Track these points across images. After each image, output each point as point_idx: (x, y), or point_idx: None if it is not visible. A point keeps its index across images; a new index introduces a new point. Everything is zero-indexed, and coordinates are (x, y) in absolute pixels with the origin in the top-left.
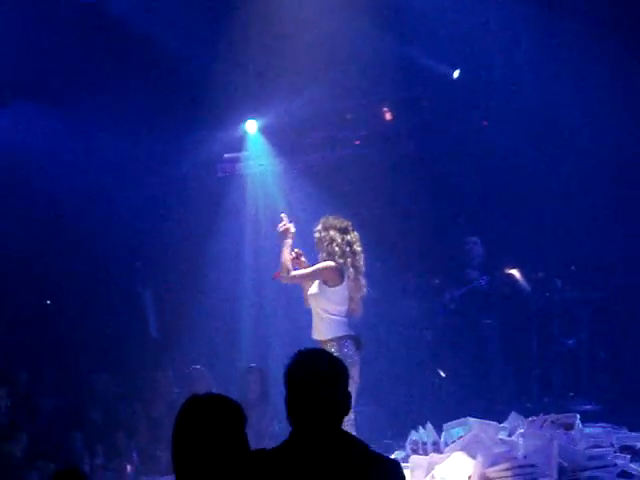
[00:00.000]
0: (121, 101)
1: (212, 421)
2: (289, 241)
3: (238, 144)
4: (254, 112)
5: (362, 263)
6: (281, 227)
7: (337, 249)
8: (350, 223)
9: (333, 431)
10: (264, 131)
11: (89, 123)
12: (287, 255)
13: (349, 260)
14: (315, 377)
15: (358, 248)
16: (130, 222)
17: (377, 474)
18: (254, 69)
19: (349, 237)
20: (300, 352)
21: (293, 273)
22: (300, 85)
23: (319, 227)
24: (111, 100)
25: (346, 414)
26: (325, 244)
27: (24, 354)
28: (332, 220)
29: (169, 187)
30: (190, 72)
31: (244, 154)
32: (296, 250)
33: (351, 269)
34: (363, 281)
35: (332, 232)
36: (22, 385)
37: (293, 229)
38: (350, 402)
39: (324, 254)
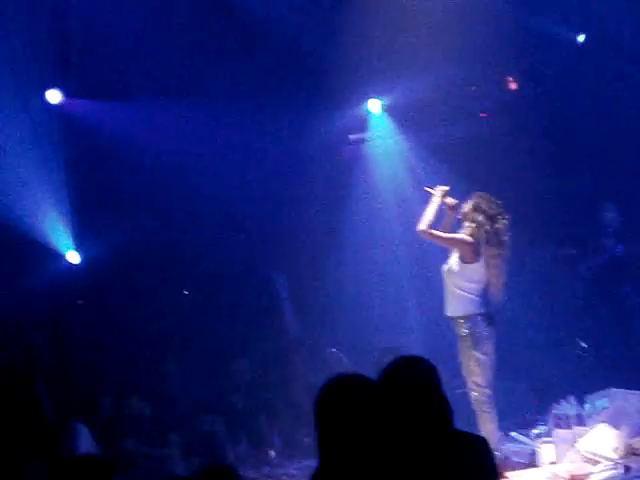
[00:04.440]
0: (244, 83)
1: (354, 400)
2: (438, 199)
3: (361, 124)
4: (377, 91)
5: (507, 251)
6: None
7: (484, 235)
8: (501, 210)
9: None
10: (388, 110)
11: (215, 109)
12: (432, 211)
13: (493, 249)
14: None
15: (505, 237)
16: (257, 209)
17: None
18: (377, 47)
19: (498, 225)
20: (396, 361)
21: (431, 230)
22: (423, 61)
23: (470, 204)
24: (235, 84)
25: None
26: (474, 225)
27: (168, 343)
28: (485, 203)
29: (298, 169)
30: (313, 52)
31: (369, 134)
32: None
33: (496, 259)
34: (505, 269)
35: (481, 217)
36: (169, 374)
37: (446, 188)
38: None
39: (467, 232)
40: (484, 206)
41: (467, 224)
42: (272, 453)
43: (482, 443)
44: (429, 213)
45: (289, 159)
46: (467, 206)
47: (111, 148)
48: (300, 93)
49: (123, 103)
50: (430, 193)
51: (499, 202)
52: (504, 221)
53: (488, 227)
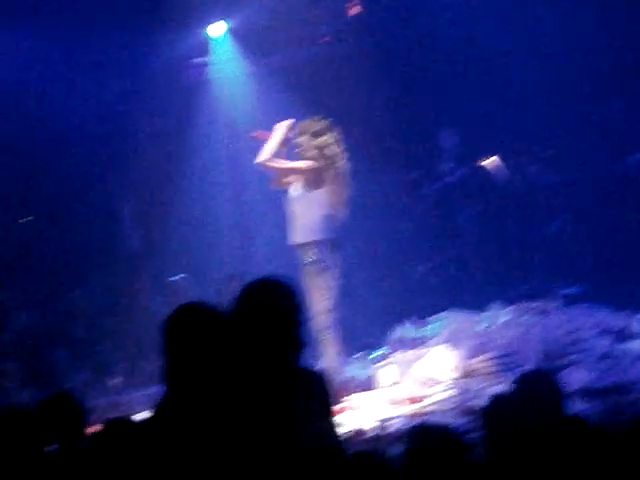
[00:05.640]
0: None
1: (200, 328)
2: (283, 132)
3: (204, 48)
4: (220, 14)
5: (342, 164)
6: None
7: (309, 153)
8: (325, 124)
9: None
10: (231, 33)
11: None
12: (274, 144)
13: (323, 163)
14: (253, 317)
15: (331, 151)
16: (97, 132)
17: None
18: None
19: (321, 140)
20: (246, 288)
21: (272, 161)
22: None
23: (296, 132)
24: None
25: (298, 346)
26: (300, 149)
27: (3, 272)
28: (306, 124)
29: (136, 93)
30: None
31: (211, 58)
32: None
33: (328, 172)
34: (345, 183)
35: (303, 137)
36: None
37: (290, 122)
38: (300, 336)
39: (302, 159)
40: (305, 126)
41: (302, 151)
42: (116, 381)
43: (320, 378)
44: (270, 145)
45: (128, 84)
46: (295, 134)
47: None
48: (137, 16)
49: None
50: (261, 137)
51: (324, 119)
52: (330, 134)
53: (311, 144)
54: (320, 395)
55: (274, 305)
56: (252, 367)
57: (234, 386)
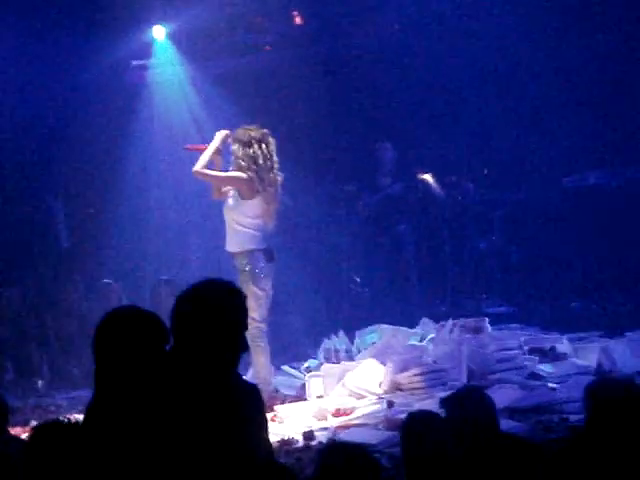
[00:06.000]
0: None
1: (135, 334)
2: (219, 142)
3: (145, 51)
4: (162, 17)
5: (273, 175)
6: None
7: (241, 163)
8: (257, 134)
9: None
10: (172, 37)
11: None
12: (210, 153)
13: (254, 174)
14: (197, 317)
15: (263, 161)
16: (33, 131)
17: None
18: None
19: (252, 150)
20: (190, 288)
21: (206, 171)
22: None
23: (232, 140)
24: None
25: (239, 350)
26: (239, 161)
27: None
28: (239, 133)
29: (75, 94)
30: None
31: (152, 61)
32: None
33: (259, 182)
34: (275, 193)
35: (235, 146)
36: None
37: (226, 132)
38: (242, 339)
39: (236, 168)
40: (238, 135)
41: (234, 160)
42: (40, 383)
43: (253, 392)
44: (205, 155)
45: (73, 82)
46: (232, 142)
47: None
48: (81, 18)
49: None
50: (195, 149)
51: (259, 129)
52: (261, 144)
53: (240, 153)
54: (252, 406)
55: (221, 304)
56: (188, 372)
57: (167, 393)
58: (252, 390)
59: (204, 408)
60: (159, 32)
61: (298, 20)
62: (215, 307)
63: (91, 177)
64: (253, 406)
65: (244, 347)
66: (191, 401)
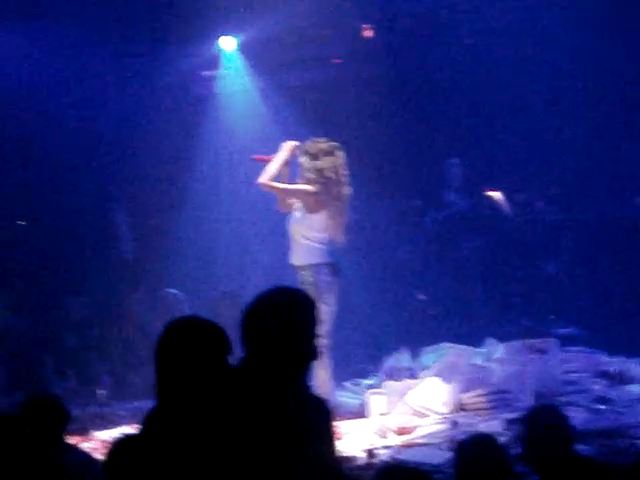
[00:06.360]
0: (88, 15)
1: (198, 344)
2: (286, 154)
3: (213, 62)
4: (231, 29)
5: (342, 188)
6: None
7: (309, 175)
8: (327, 146)
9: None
10: (241, 49)
11: (61, 38)
12: (277, 165)
13: (322, 187)
14: (268, 324)
15: (332, 174)
16: (100, 142)
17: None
18: None
19: (321, 163)
20: (261, 296)
21: (272, 182)
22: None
23: (299, 152)
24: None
25: (310, 359)
26: (307, 173)
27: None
28: (308, 145)
29: (142, 105)
30: None
31: (221, 72)
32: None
33: (327, 195)
34: (344, 207)
35: (303, 158)
36: None
37: (294, 144)
38: (313, 349)
39: (304, 181)
40: (307, 147)
41: (302, 172)
42: (101, 392)
43: (322, 406)
44: (272, 167)
45: (140, 93)
46: (300, 155)
47: None
48: (149, 28)
49: None
50: (262, 160)
51: (328, 141)
52: (331, 157)
53: (308, 166)
54: (321, 420)
55: (294, 311)
56: (259, 383)
57: (232, 405)
58: (321, 404)
59: (273, 420)
60: (227, 43)
61: (368, 33)
62: (289, 314)
63: (157, 188)
64: (322, 420)
65: (315, 356)
66: (260, 412)
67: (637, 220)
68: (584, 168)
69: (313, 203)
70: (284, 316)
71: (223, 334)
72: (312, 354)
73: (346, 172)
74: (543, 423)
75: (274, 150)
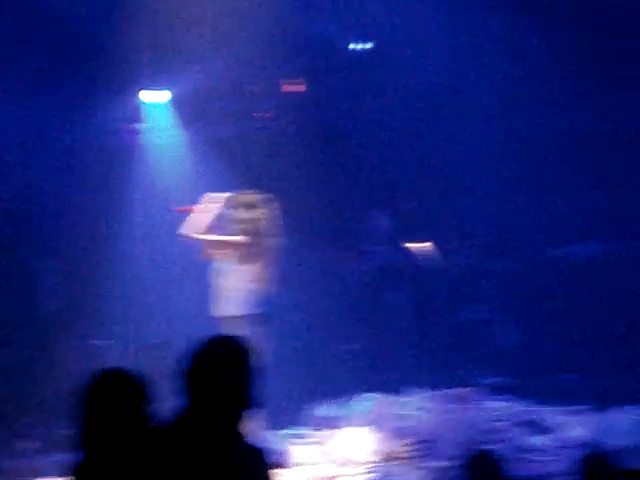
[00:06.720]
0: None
1: (116, 396)
2: (214, 209)
3: (137, 115)
4: (158, 82)
5: (272, 240)
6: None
7: (241, 227)
8: (258, 198)
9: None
10: (173, 101)
11: None
12: (200, 216)
13: (253, 239)
14: (214, 372)
15: (261, 226)
16: (22, 193)
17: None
18: (152, 39)
19: (252, 214)
20: (203, 343)
21: (202, 236)
22: (205, 56)
23: (227, 204)
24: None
25: (245, 408)
26: (230, 222)
27: None
28: (238, 197)
29: (66, 156)
30: (87, 40)
31: (145, 125)
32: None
33: (258, 247)
34: (274, 259)
35: (233, 210)
36: None
37: (219, 195)
38: (249, 397)
39: (230, 232)
40: (234, 199)
41: (232, 224)
42: (27, 445)
43: (260, 454)
44: (197, 217)
45: (65, 147)
46: (230, 206)
47: None
48: (79, 81)
49: None
50: (183, 211)
51: (258, 193)
52: (257, 210)
53: (237, 218)
54: (258, 468)
55: (238, 361)
56: (197, 432)
57: (160, 457)
58: (260, 452)
59: (215, 470)
60: (151, 96)
61: (293, 87)
62: (233, 362)
63: (80, 237)
64: (259, 468)
65: (258, 404)
66: (202, 461)
67: (559, 268)
68: (507, 218)
69: (243, 254)
70: (228, 364)
71: (141, 386)
72: (254, 402)
73: (279, 223)
74: (486, 467)
75: (196, 201)
